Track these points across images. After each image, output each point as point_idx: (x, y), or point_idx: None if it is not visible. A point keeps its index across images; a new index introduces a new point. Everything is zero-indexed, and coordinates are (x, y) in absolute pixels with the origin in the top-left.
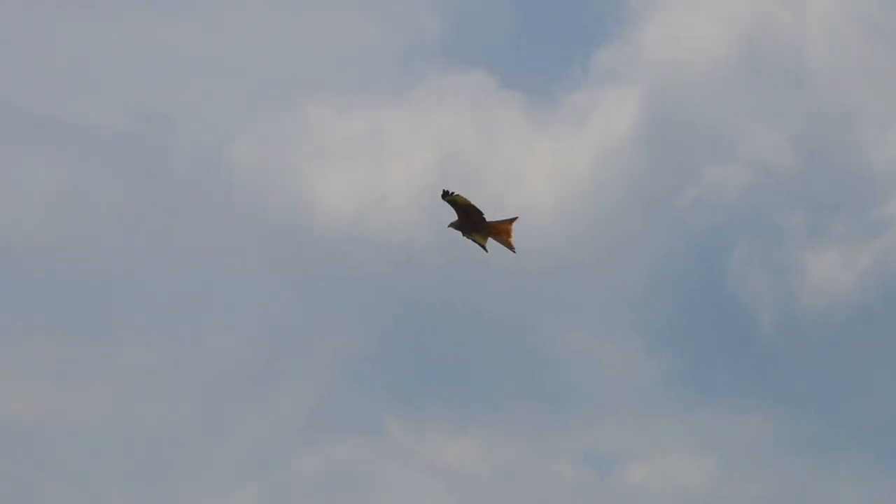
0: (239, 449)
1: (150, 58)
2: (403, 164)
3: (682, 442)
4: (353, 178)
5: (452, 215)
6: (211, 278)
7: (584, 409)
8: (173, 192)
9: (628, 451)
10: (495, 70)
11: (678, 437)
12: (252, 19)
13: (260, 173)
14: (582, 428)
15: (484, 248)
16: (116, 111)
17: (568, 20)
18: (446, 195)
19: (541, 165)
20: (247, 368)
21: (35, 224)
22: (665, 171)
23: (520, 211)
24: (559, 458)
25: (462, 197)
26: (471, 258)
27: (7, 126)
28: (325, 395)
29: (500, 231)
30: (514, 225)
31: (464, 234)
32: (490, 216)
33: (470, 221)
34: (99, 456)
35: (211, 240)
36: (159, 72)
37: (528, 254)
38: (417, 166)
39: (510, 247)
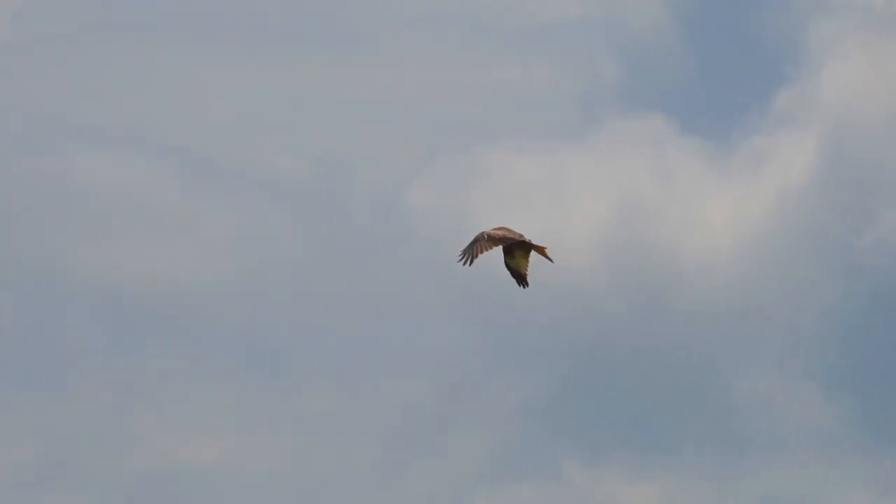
0: (419, 494)
1: (330, 105)
2: (582, 208)
3: (863, 485)
4: (531, 223)
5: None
6: (389, 323)
7: (763, 452)
8: (352, 238)
9: (809, 496)
10: (673, 115)
11: (859, 481)
12: (430, 65)
13: (438, 218)
14: (762, 472)
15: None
16: (297, 158)
17: (745, 64)
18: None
19: (718, 209)
20: (426, 413)
21: (216, 268)
22: (843, 214)
23: (697, 254)
24: (739, 503)
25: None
26: (650, 301)
27: (191, 171)
28: (505, 439)
29: (537, 248)
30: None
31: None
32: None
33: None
34: (279, 502)
35: (389, 285)
36: (338, 119)
37: (706, 297)
38: (596, 211)
39: (548, 258)
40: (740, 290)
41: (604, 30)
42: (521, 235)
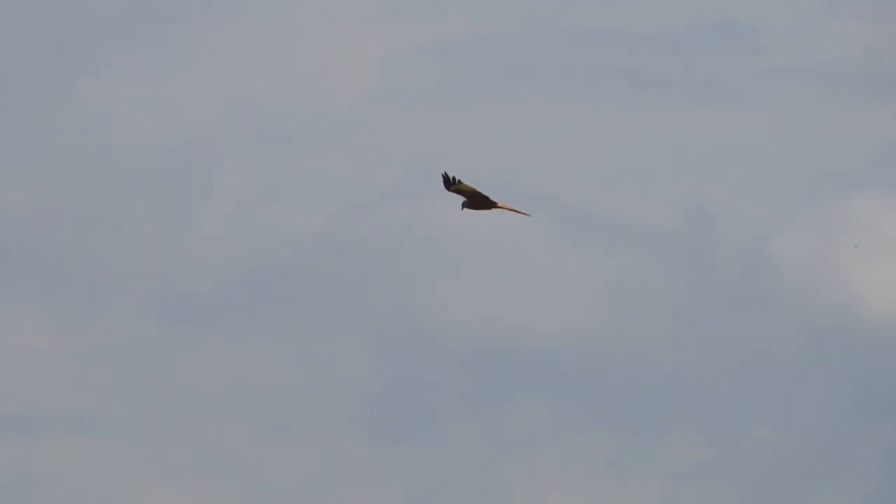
0: None
1: (695, 155)
2: None
3: None
4: None
5: None
6: (755, 372)
7: None
8: (717, 287)
9: None
10: None
11: None
12: (792, 113)
13: (804, 269)
14: None
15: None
16: (663, 208)
17: None
18: (449, 184)
19: None
20: (793, 463)
21: (584, 318)
22: None
23: None
24: None
25: (466, 185)
26: None
27: (559, 220)
28: (873, 490)
29: (508, 208)
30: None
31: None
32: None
33: (478, 204)
34: None
35: (753, 335)
36: (703, 168)
37: None
38: None
39: (523, 213)
40: None
41: None
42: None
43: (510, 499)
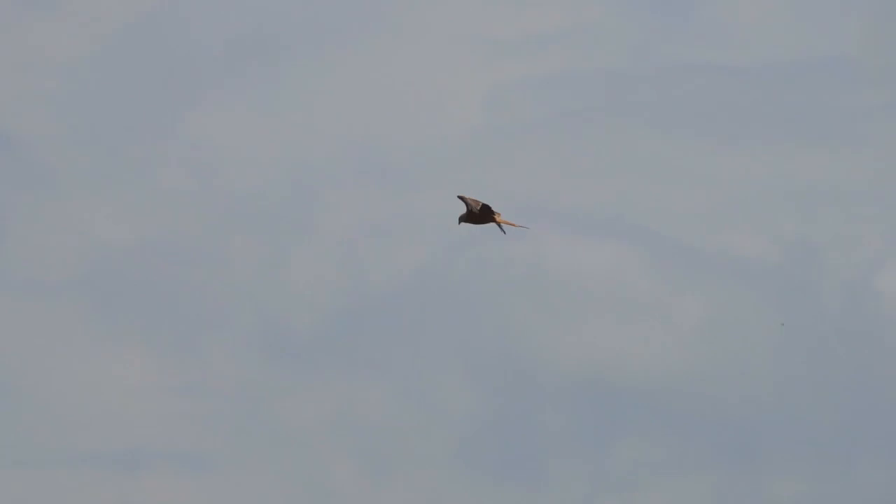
0: None
1: (799, 189)
2: None
3: None
4: None
5: None
6: (863, 407)
7: None
8: (823, 323)
9: None
10: None
11: None
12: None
13: None
14: None
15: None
16: (766, 242)
17: None
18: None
19: None
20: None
21: (687, 354)
22: None
23: None
24: None
25: (472, 199)
26: None
27: (661, 255)
28: None
29: (507, 222)
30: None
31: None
32: None
33: (477, 218)
34: None
35: (860, 372)
36: (807, 203)
37: None
38: None
39: (522, 226)
40: None
41: None
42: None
43: None
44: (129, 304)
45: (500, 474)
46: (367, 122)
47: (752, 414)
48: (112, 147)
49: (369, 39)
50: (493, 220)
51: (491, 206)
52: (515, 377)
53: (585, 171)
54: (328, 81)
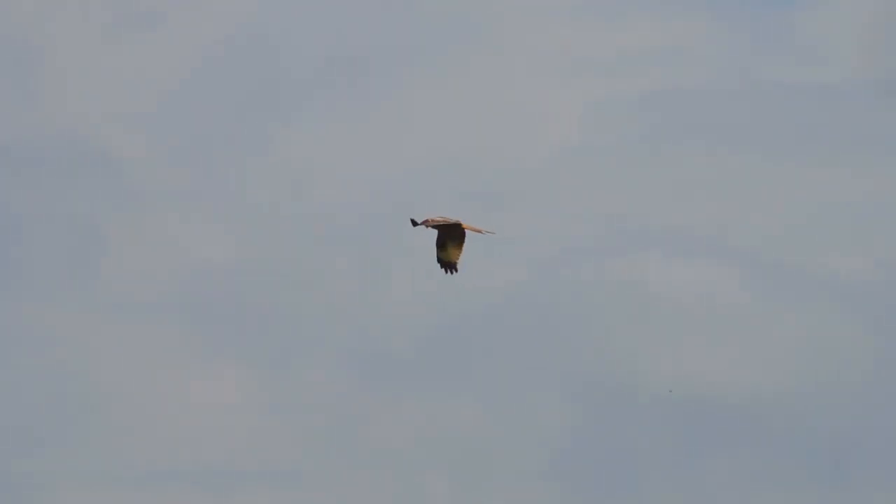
0: None
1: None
2: None
3: None
4: None
5: None
6: None
7: None
8: None
9: None
10: None
11: None
12: None
13: None
14: None
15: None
16: (864, 262)
17: None
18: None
19: None
20: None
21: (783, 372)
22: None
23: None
24: None
25: (434, 220)
26: None
27: (759, 273)
28: None
29: (474, 229)
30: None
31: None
32: None
33: (448, 233)
34: None
35: None
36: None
37: None
38: None
39: (489, 232)
40: None
41: None
42: (457, 220)
43: None
44: (227, 323)
45: (595, 492)
46: (464, 141)
47: (848, 433)
48: (209, 166)
49: (464, 58)
50: (464, 229)
51: (416, 219)
52: (611, 397)
53: (684, 190)
54: (423, 100)
